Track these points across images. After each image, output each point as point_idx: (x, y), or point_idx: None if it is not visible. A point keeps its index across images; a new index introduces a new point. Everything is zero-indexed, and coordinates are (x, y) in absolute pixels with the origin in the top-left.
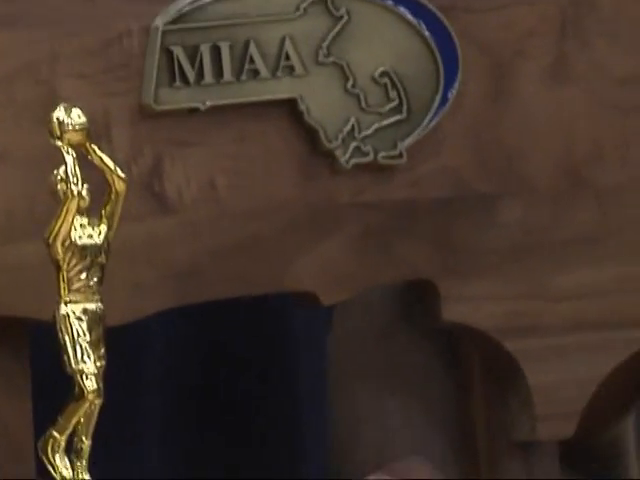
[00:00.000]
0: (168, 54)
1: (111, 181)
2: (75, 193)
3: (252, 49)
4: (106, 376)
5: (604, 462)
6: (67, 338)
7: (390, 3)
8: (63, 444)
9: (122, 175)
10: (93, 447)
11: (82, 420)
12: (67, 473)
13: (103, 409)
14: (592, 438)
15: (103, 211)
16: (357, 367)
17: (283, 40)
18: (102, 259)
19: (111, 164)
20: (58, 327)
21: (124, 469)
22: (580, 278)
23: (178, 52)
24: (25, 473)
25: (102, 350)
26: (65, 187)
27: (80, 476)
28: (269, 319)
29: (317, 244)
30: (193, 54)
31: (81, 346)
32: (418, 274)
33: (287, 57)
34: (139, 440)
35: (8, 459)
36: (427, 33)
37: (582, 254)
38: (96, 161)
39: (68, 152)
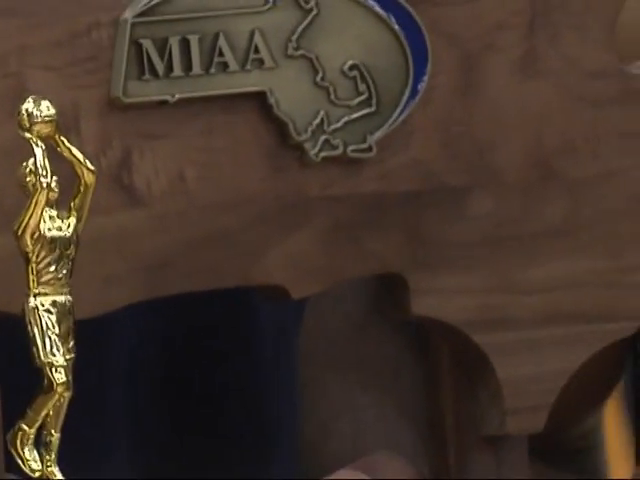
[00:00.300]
0: (137, 47)
1: (80, 173)
2: (44, 185)
3: (221, 42)
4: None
5: (574, 455)
6: (36, 331)
7: None
8: (32, 437)
9: (91, 167)
10: (62, 440)
11: (51, 413)
12: (36, 466)
13: (72, 402)
14: (562, 431)
15: (72, 203)
16: (328, 360)
17: (252, 33)
18: (71, 251)
19: (80, 156)
20: (27, 320)
21: (92, 462)
22: (551, 271)
23: (147, 45)
24: None
25: (71, 343)
26: (34, 179)
27: (49, 469)
28: (239, 311)
29: (286, 237)
30: (162, 47)
31: (50, 339)
32: (387, 267)
33: (256, 50)
34: (107, 433)
35: None
36: (396, 26)
37: (553, 247)
38: (65, 153)
39: (37, 144)
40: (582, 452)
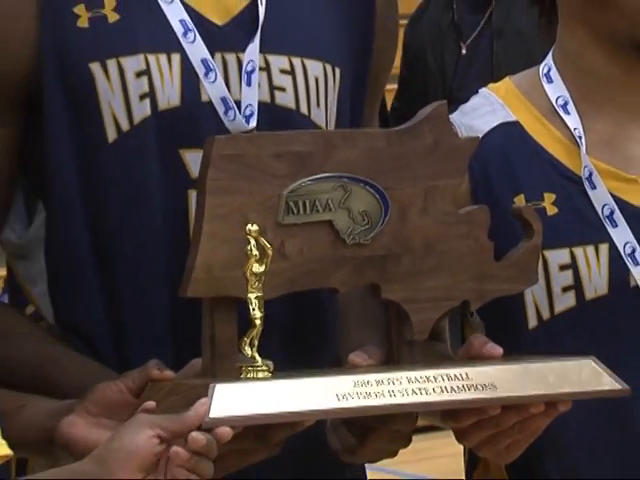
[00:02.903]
0: (287, 204)
1: (266, 250)
2: (254, 254)
3: (317, 202)
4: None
5: (436, 336)
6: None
7: (362, 185)
8: (248, 341)
9: (269, 247)
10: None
11: (254, 333)
12: (249, 353)
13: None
14: (431, 332)
15: (264, 260)
16: (349, 311)
17: (327, 199)
18: (263, 277)
19: (268, 245)
20: (247, 300)
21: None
22: (429, 284)
23: (291, 203)
24: (232, 358)
25: (263, 308)
26: (250, 251)
27: (253, 353)
28: (321, 294)
29: (337, 271)
30: (296, 204)
31: (263, 304)
32: (372, 281)
33: (329, 204)
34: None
35: (225, 351)
36: (377, 196)
37: (430, 277)
38: (261, 242)
39: (252, 240)
40: (440, 333)
